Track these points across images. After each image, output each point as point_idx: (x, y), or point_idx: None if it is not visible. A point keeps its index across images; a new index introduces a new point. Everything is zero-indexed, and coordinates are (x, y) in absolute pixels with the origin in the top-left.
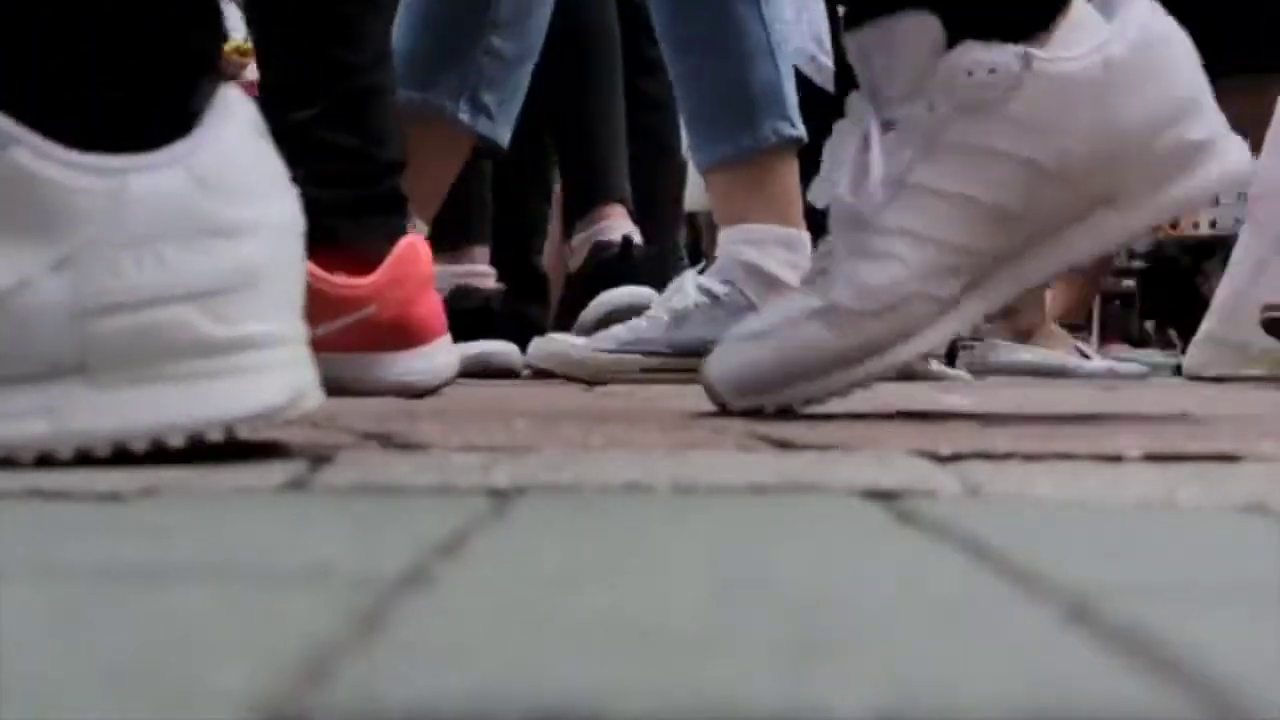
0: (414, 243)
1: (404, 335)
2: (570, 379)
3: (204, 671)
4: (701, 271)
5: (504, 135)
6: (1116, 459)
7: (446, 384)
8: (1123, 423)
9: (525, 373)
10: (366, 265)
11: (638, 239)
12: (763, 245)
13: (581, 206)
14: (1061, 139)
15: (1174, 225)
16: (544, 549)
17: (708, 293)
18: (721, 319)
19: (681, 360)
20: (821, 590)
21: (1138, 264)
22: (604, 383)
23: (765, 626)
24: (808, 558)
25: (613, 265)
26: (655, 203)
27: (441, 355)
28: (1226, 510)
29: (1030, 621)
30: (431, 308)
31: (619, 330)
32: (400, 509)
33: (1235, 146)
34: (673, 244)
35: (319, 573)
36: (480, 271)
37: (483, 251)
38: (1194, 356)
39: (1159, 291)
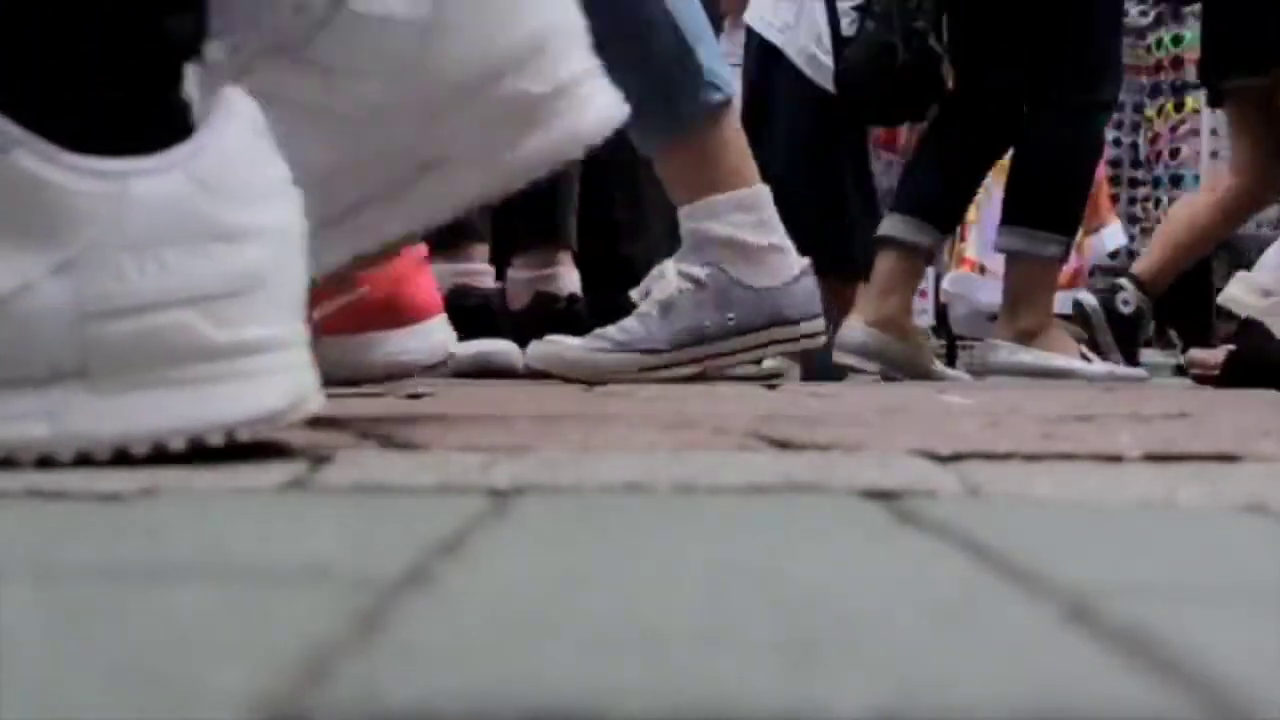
0: None
1: (397, 314)
2: (568, 380)
3: (204, 671)
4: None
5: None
6: (1116, 459)
7: (442, 363)
8: (1123, 423)
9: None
10: None
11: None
12: (726, 215)
13: (529, 241)
14: (365, 86)
15: None
16: (544, 549)
17: (690, 278)
18: (708, 302)
19: (680, 354)
20: (821, 590)
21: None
22: (603, 382)
23: (765, 626)
24: (808, 558)
25: (558, 317)
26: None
27: (437, 332)
28: (1226, 510)
29: (1030, 621)
30: (424, 285)
31: (612, 331)
32: (400, 509)
33: (599, 97)
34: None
35: (319, 573)
36: (479, 270)
37: (481, 250)
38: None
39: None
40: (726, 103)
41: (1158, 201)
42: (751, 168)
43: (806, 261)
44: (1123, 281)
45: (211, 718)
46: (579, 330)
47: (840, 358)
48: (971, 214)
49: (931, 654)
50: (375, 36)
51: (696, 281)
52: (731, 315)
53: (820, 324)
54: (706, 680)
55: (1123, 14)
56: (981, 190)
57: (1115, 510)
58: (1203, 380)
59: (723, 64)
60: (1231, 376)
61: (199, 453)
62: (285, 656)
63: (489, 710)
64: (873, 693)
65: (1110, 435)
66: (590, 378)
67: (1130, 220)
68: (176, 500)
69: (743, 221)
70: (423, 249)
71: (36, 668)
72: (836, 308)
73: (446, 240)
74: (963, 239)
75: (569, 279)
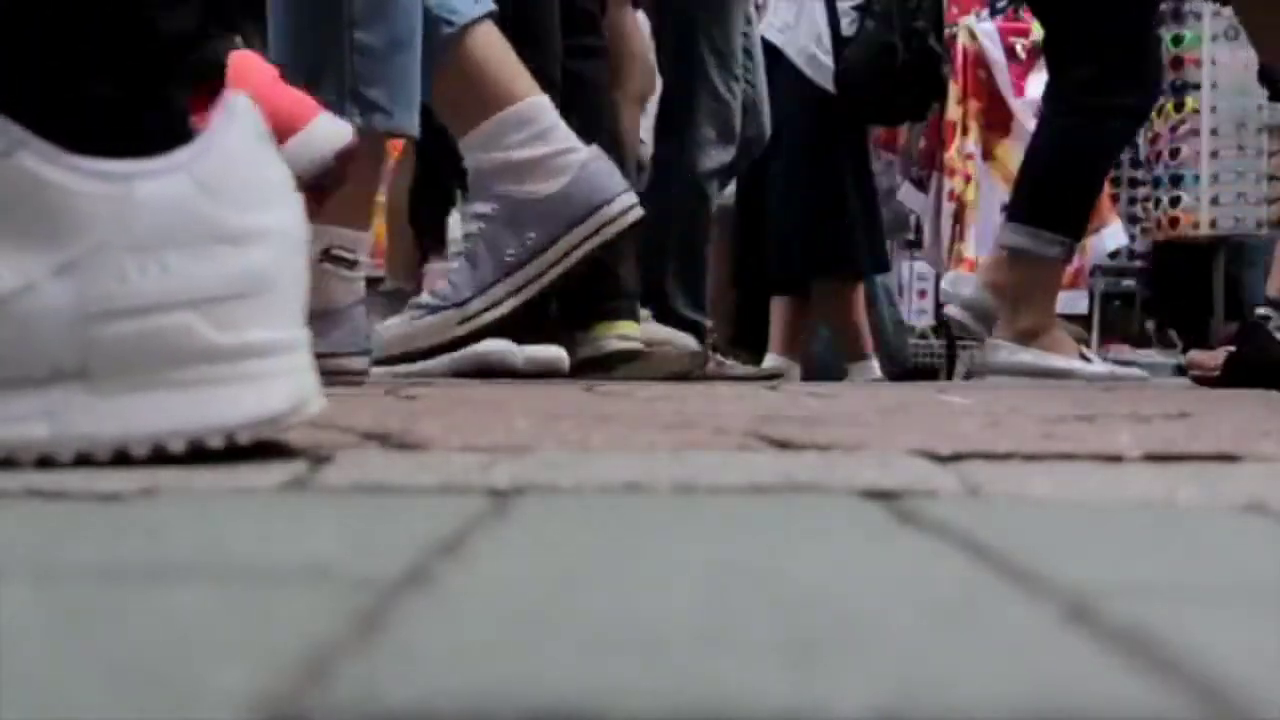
0: (240, 54)
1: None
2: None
3: (204, 671)
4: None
5: (408, 124)
6: (1116, 459)
7: (339, 159)
8: (1123, 423)
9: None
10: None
11: None
12: (498, 140)
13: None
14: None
15: (1173, 224)
16: (544, 549)
17: (480, 217)
18: (503, 231)
19: (492, 292)
20: (821, 590)
21: (1138, 264)
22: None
23: (765, 626)
24: (808, 558)
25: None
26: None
27: (317, 132)
28: (1226, 510)
29: (1030, 621)
30: (286, 96)
31: (425, 297)
32: (400, 509)
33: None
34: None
35: (319, 573)
36: None
37: None
38: None
39: (1163, 291)
40: (466, 27)
41: (1157, 201)
42: (523, 82)
43: (594, 149)
44: (1266, 311)
45: (211, 718)
46: (557, 335)
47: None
48: (970, 214)
49: (931, 654)
50: None
51: (486, 218)
52: (531, 234)
53: (632, 197)
54: (706, 680)
55: (1155, 21)
56: (979, 190)
57: (1115, 510)
58: (1203, 381)
59: None
60: (1231, 376)
61: (199, 453)
62: (285, 656)
63: (489, 710)
64: (873, 693)
65: (1110, 435)
66: (411, 345)
67: (1130, 220)
68: (176, 500)
69: (516, 140)
70: (270, 70)
71: (36, 668)
72: (837, 308)
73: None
74: (962, 239)
75: None
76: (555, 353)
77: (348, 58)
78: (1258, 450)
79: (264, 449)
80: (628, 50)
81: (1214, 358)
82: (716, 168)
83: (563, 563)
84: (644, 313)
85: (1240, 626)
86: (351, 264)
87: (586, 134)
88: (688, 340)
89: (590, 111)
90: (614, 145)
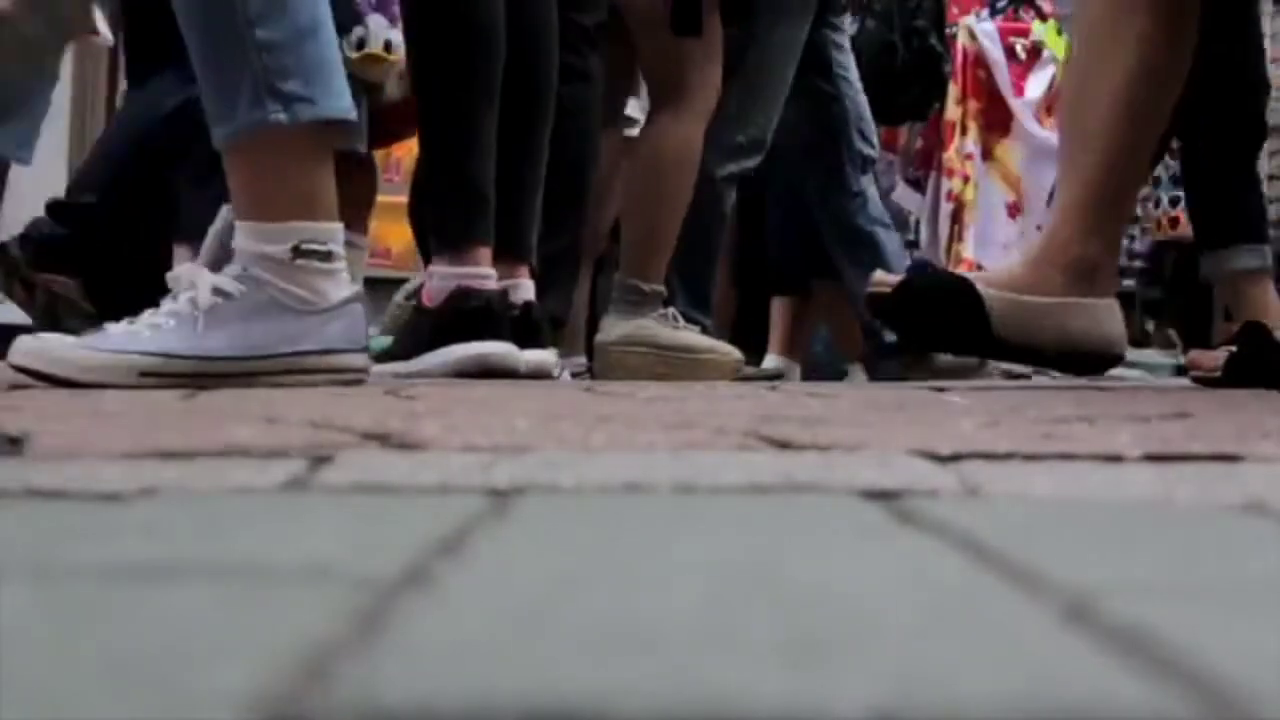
0: None
1: None
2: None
3: (204, 671)
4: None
5: (336, 108)
6: (1116, 459)
7: None
8: (1122, 423)
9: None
10: None
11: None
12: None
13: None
14: None
15: (1173, 224)
16: (544, 549)
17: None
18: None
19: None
20: (821, 590)
21: (1138, 264)
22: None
23: (765, 626)
24: (808, 557)
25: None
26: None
27: None
28: (1226, 510)
29: (1030, 621)
30: None
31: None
32: (400, 509)
33: None
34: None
35: (319, 573)
36: (482, 274)
37: (486, 253)
38: None
39: (1163, 291)
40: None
41: (1157, 201)
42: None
43: (359, 291)
44: None
45: (211, 718)
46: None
47: None
48: (969, 214)
49: (931, 654)
50: None
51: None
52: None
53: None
54: (706, 680)
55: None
56: (977, 190)
57: (1115, 510)
58: (1203, 381)
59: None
60: (1231, 376)
61: (199, 453)
62: (285, 656)
63: (489, 710)
64: (873, 692)
65: (1110, 435)
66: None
67: (1130, 220)
68: (176, 500)
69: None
70: None
71: (36, 668)
72: (837, 308)
73: (454, 240)
74: (960, 239)
75: (526, 289)
76: (545, 356)
77: (254, 58)
78: (1258, 450)
79: (264, 449)
80: (698, 80)
81: (1214, 358)
82: (738, 172)
83: (563, 563)
84: (687, 325)
85: (1240, 626)
86: (326, 255)
87: (553, 158)
88: (730, 350)
89: (560, 138)
90: (574, 173)
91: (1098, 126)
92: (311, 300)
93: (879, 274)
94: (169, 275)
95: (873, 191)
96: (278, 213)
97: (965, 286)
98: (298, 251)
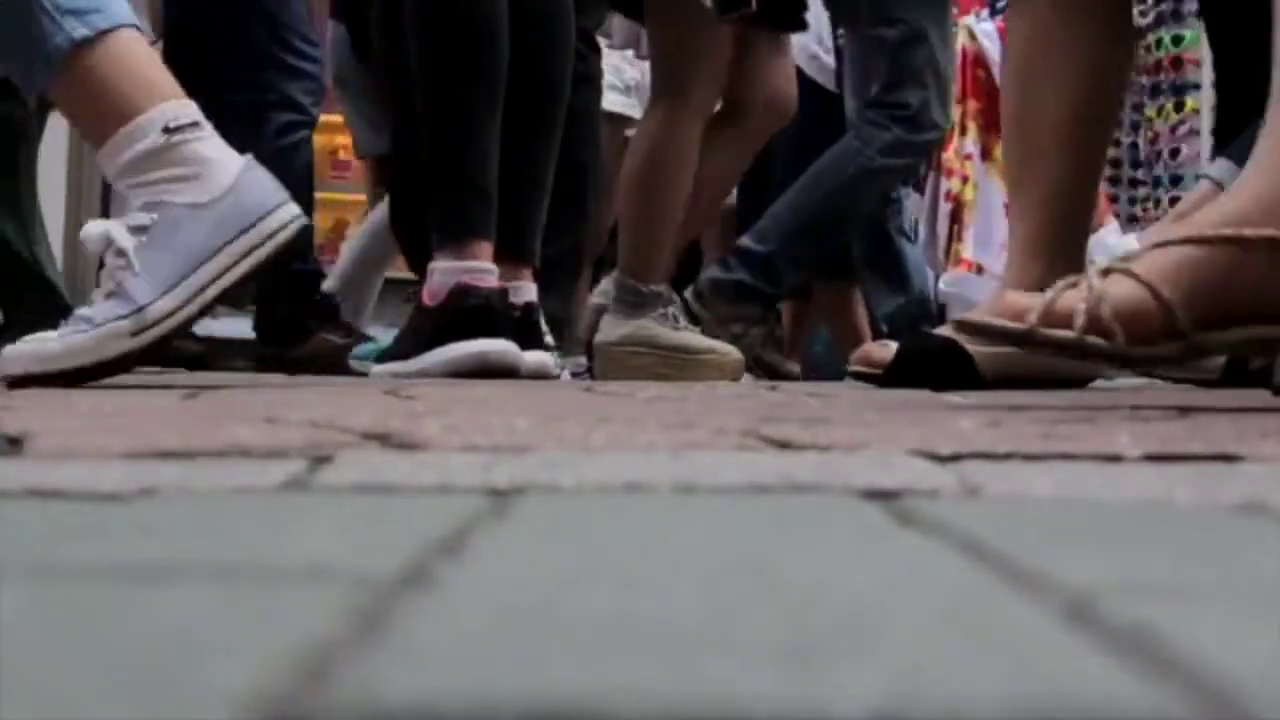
0: None
1: None
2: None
3: (204, 671)
4: None
5: (123, 14)
6: (1116, 459)
7: None
8: (1122, 423)
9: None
10: None
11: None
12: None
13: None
14: None
15: None
16: (544, 549)
17: (139, 230)
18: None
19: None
20: (821, 590)
21: None
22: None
23: (765, 626)
24: (807, 558)
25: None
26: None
27: None
28: (1225, 510)
29: (1030, 621)
30: None
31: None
32: (400, 509)
33: None
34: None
35: (319, 573)
36: (483, 269)
37: (486, 248)
38: None
39: None
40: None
41: (1157, 201)
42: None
43: (248, 159)
44: None
45: (211, 718)
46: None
47: None
48: (968, 214)
49: (931, 654)
50: None
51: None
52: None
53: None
54: (706, 680)
55: None
56: (976, 189)
57: (1115, 510)
58: (1202, 381)
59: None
60: (1231, 376)
61: (199, 453)
62: (285, 656)
63: (489, 710)
64: (872, 693)
65: (1110, 435)
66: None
67: (1130, 220)
68: (176, 500)
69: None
70: None
71: (36, 668)
72: (837, 309)
73: (454, 235)
74: (960, 239)
75: (528, 290)
76: (546, 357)
77: (41, 20)
78: (1258, 450)
79: (264, 449)
80: (705, 77)
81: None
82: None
83: (563, 563)
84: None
85: (1240, 626)
86: (195, 124)
87: (556, 160)
88: (730, 350)
89: (562, 140)
90: (576, 175)
91: (1050, 143)
92: (208, 177)
93: (864, 352)
94: (81, 234)
95: (908, 203)
96: (129, 113)
97: (953, 348)
98: (169, 130)
